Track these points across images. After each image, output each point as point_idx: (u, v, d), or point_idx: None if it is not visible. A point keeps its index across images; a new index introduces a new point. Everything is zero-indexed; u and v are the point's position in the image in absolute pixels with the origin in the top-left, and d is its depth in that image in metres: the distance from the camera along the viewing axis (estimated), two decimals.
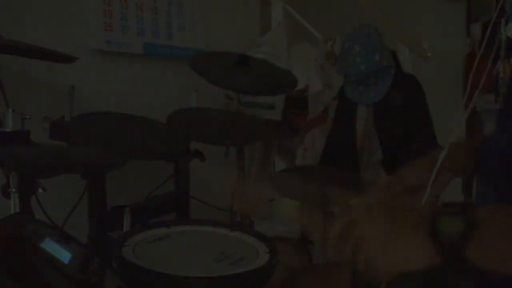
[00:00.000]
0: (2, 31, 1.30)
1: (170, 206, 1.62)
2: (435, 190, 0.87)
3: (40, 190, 1.09)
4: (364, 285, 0.68)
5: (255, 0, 2.59)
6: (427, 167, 0.87)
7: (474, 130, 2.80)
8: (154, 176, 1.69)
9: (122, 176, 1.35)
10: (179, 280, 0.83)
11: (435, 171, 0.76)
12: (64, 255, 0.81)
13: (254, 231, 1.06)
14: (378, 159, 2.09)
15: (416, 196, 0.88)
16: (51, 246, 0.81)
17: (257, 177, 2.27)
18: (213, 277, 0.85)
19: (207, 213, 1.77)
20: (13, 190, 0.98)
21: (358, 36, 2.04)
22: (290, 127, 2.37)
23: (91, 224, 1.34)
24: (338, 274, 0.91)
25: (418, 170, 0.92)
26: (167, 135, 1.60)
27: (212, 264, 0.90)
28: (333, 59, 2.27)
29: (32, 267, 0.78)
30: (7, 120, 1.15)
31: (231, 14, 2.41)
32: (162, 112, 1.65)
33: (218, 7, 2.32)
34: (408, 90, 2.08)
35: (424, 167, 0.90)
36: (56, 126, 1.32)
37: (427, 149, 0.97)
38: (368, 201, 0.75)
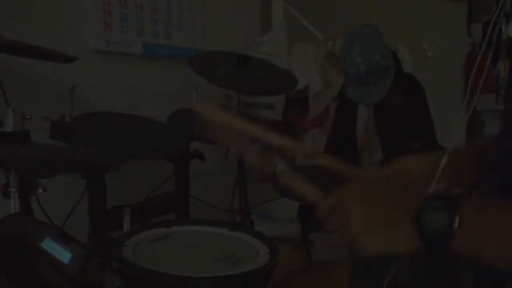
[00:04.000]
0: (2, 31, 1.30)
1: (170, 206, 1.62)
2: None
3: (40, 190, 1.09)
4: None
5: (255, 0, 2.59)
6: (425, 165, 0.88)
7: (474, 130, 2.80)
8: (154, 176, 1.69)
9: (122, 176, 1.36)
10: (179, 280, 0.83)
11: (437, 176, 0.77)
12: (64, 255, 0.81)
13: (254, 231, 1.06)
14: (378, 159, 2.09)
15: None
16: (51, 246, 0.81)
17: None
18: (213, 277, 0.85)
19: (207, 213, 1.77)
20: (13, 190, 0.98)
21: (358, 36, 2.04)
22: (290, 127, 2.37)
23: (91, 224, 1.34)
24: (336, 273, 0.91)
25: (415, 166, 0.92)
26: (167, 135, 1.60)
27: (212, 264, 0.90)
28: (333, 59, 2.27)
29: (32, 267, 0.78)
30: (7, 120, 1.14)
31: (231, 14, 2.41)
32: (162, 112, 1.65)
33: (218, 7, 2.32)
34: (408, 90, 2.08)
35: (422, 165, 0.90)
36: (56, 126, 1.32)
37: (427, 149, 0.97)
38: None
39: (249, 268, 0.88)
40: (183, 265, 0.90)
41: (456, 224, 0.58)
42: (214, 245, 0.99)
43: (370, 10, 2.16)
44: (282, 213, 2.20)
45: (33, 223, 0.89)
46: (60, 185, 1.30)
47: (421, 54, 2.27)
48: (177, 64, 2.07)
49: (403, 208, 0.63)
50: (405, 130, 2.02)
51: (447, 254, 0.59)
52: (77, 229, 1.16)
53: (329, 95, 2.26)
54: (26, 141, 1.16)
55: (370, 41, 2.01)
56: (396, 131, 2.04)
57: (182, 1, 2.14)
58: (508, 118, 0.81)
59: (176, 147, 1.57)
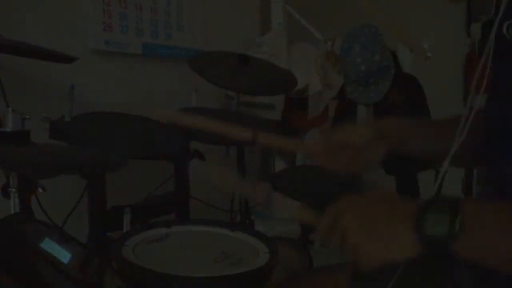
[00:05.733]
0: (2, 31, 1.30)
1: (170, 206, 1.62)
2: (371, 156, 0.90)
3: (40, 190, 1.09)
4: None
5: (255, 0, 2.59)
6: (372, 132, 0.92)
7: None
8: (154, 176, 1.69)
9: (122, 176, 1.35)
10: (179, 280, 0.83)
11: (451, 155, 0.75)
12: (64, 255, 0.81)
13: (254, 231, 1.06)
14: None
15: (346, 153, 0.89)
16: (50, 246, 0.81)
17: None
18: (213, 277, 0.85)
19: (207, 213, 1.77)
20: (13, 190, 0.98)
21: (358, 36, 2.04)
22: (290, 127, 2.37)
23: (91, 224, 1.34)
24: (337, 277, 0.91)
25: (358, 134, 0.92)
26: (167, 135, 1.60)
27: (212, 264, 0.90)
28: (333, 59, 2.27)
29: (32, 267, 0.78)
30: (7, 120, 1.14)
31: (231, 14, 2.41)
32: None
33: (218, 7, 2.32)
34: (408, 90, 2.08)
35: (364, 133, 0.92)
36: (56, 126, 1.32)
37: None
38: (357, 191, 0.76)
39: (249, 268, 0.88)
40: (183, 265, 0.90)
41: (458, 226, 0.57)
42: (214, 245, 0.99)
43: (370, 10, 2.16)
44: (282, 213, 2.20)
45: (33, 223, 0.89)
46: (60, 185, 1.29)
47: (421, 54, 2.27)
48: (177, 64, 2.07)
49: (400, 216, 0.63)
50: None
51: (449, 257, 0.59)
52: (77, 229, 1.16)
53: (329, 95, 2.26)
54: (26, 141, 1.16)
55: (369, 41, 2.01)
56: None
57: (182, 1, 2.14)
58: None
59: (176, 147, 1.57)
